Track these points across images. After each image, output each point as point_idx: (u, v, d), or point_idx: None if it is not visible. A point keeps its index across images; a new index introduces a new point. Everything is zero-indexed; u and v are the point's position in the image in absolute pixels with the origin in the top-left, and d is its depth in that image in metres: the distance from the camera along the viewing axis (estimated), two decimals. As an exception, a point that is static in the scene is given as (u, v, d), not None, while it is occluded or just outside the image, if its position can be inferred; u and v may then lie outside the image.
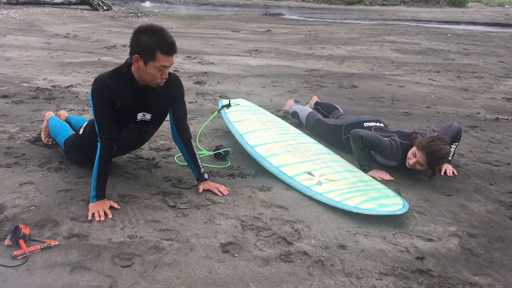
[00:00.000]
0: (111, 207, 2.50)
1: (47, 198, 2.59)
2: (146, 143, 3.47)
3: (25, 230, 2.16)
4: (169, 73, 2.56)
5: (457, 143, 3.33)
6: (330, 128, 3.69)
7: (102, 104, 2.50)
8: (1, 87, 5.13)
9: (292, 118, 4.27)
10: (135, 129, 2.68)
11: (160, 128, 3.87)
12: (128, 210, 2.51)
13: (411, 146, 3.05)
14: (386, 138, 3.17)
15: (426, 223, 2.54)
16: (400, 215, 2.55)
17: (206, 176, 2.83)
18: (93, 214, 2.43)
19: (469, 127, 4.33)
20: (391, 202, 2.59)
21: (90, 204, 2.49)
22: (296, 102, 4.65)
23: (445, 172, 3.22)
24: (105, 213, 2.44)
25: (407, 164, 3.06)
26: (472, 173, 3.27)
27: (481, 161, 3.51)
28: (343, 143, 3.52)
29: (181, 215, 2.48)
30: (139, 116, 2.63)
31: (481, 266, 2.18)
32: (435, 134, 3.22)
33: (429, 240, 2.37)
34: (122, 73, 2.53)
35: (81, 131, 2.93)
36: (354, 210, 2.52)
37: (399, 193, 2.82)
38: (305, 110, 4.04)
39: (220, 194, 2.74)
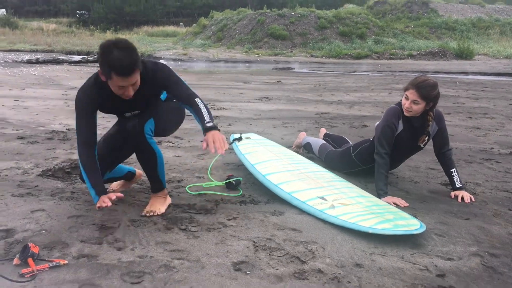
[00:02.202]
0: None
1: (58, 223, 2.57)
2: None
3: (34, 249, 2.12)
4: (144, 75, 2.51)
5: (455, 169, 3.31)
6: (340, 154, 3.71)
7: (83, 113, 2.57)
8: (17, 130, 5.23)
9: (304, 150, 4.27)
10: (126, 120, 2.72)
11: (171, 162, 3.92)
12: (138, 233, 2.47)
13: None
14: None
15: (445, 244, 2.46)
16: (417, 236, 2.48)
17: (209, 125, 2.45)
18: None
19: (484, 159, 4.28)
20: (407, 223, 2.52)
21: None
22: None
23: (462, 198, 3.15)
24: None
25: (405, 112, 3.24)
26: (489, 200, 3.19)
27: (498, 189, 3.43)
28: (355, 163, 3.57)
29: (192, 237, 2.44)
30: (127, 114, 2.72)
31: (506, 283, 2.09)
32: None
33: (449, 259, 2.28)
34: (100, 81, 2.52)
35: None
36: (370, 231, 2.45)
37: (415, 217, 2.75)
38: (318, 141, 4.04)
39: (213, 150, 2.36)
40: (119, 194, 2.48)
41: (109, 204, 2.37)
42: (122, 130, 2.73)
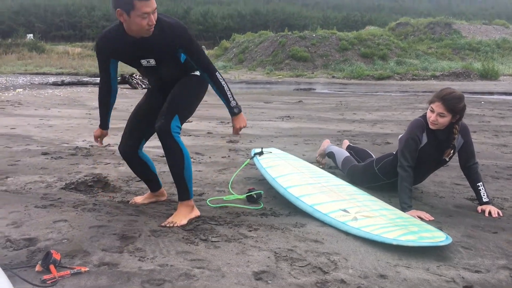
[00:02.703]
0: None
1: (79, 233, 2.58)
2: None
3: (56, 256, 2.13)
4: (163, 22, 2.60)
5: (482, 183, 3.23)
6: (363, 168, 3.66)
7: (100, 61, 2.78)
8: (42, 147, 5.33)
9: (327, 158, 4.24)
10: (148, 73, 2.87)
11: (193, 176, 3.92)
12: (159, 242, 2.46)
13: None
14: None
15: (473, 256, 2.38)
16: (443, 248, 2.41)
17: (236, 110, 2.80)
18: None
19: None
20: (432, 235, 2.46)
21: None
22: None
23: (490, 213, 3.07)
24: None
25: (430, 125, 3.17)
26: (518, 215, 3.09)
27: (527, 204, 3.33)
28: (378, 177, 3.51)
29: (213, 247, 2.42)
30: (143, 62, 2.74)
31: (537, 297, 2.00)
32: None
33: (477, 271, 2.21)
34: (118, 27, 2.64)
35: None
36: (394, 242, 2.39)
37: (441, 230, 2.68)
38: (342, 153, 3.98)
39: (238, 130, 2.88)
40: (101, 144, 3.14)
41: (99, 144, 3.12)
42: (150, 92, 3.04)
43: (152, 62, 2.73)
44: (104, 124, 3.04)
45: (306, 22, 57.70)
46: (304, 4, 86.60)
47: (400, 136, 3.35)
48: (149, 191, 3.24)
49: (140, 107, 3.05)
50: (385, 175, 3.48)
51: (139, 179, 3.80)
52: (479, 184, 3.21)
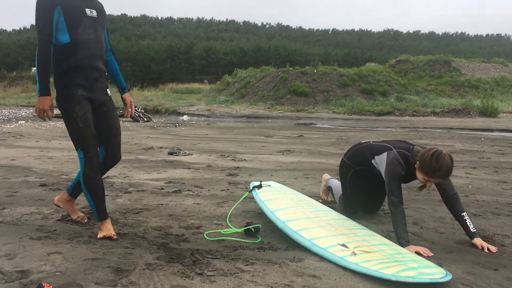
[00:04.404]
0: None
1: (73, 265, 2.54)
2: (176, 221, 3.43)
3: (48, 289, 2.10)
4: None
5: (466, 213, 3.20)
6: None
7: (46, 6, 2.82)
8: (40, 178, 5.31)
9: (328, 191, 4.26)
10: (90, 27, 2.97)
11: (190, 209, 3.90)
12: (154, 276, 2.41)
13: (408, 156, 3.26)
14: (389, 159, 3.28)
15: (473, 294, 2.33)
16: (443, 285, 2.36)
17: (130, 88, 3.17)
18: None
19: (512, 212, 4.13)
20: (432, 272, 2.41)
21: (38, 99, 2.94)
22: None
23: (489, 249, 3.02)
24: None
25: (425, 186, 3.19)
26: (519, 252, 3.05)
27: (529, 241, 3.29)
28: (348, 166, 3.76)
29: (208, 281, 2.37)
30: (88, 11, 2.97)
31: (541, 337, 1.94)
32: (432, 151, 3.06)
33: (478, 310, 2.16)
34: None
35: None
36: (393, 278, 2.35)
37: (440, 266, 2.63)
38: (340, 187, 3.96)
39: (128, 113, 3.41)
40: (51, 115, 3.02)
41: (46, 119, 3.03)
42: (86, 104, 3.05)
43: (94, 13, 3.02)
44: (48, 88, 2.93)
45: (307, 58, 58.56)
46: (305, 41, 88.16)
47: (383, 161, 3.36)
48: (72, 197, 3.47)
49: (87, 121, 3.02)
50: (353, 162, 3.70)
51: (136, 212, 3.78)
52: (464, 214, 3.16)
